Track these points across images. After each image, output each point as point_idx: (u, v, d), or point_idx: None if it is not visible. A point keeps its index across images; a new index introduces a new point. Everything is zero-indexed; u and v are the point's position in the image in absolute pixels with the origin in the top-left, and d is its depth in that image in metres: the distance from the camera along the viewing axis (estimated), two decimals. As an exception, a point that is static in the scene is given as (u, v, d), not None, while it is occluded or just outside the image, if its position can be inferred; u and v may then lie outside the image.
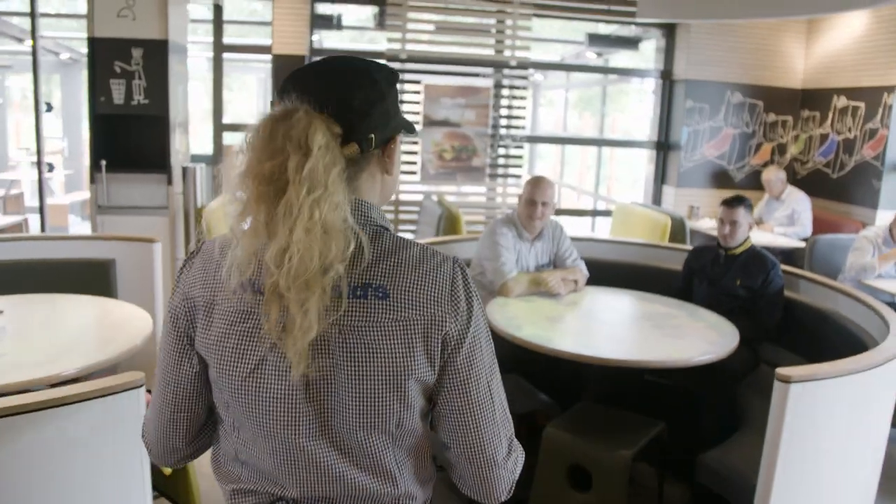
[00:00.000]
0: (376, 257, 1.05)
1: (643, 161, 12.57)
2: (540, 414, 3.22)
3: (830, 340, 3.31)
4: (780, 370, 2.20)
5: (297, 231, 0.97)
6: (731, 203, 3.59)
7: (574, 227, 6.59)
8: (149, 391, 1.62)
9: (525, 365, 3.22)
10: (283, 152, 0.99)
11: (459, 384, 1.08)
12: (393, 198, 6.61)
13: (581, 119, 13.75)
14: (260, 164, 1.00)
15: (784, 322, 3.51)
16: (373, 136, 1.07)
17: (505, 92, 6.34)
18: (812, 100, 6.54)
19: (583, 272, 3.65)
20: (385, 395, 1.04)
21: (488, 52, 6.35)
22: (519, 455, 1.18)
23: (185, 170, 5.27)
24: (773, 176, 6.11)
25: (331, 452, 1.07)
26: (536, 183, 3.55)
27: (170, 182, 5.16)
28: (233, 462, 1.14)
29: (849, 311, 3.31)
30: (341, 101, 1.05)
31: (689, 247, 4.14)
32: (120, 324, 2.80)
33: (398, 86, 1.24)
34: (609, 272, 4.10)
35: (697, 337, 3.00)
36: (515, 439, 1.17)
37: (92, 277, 3.63)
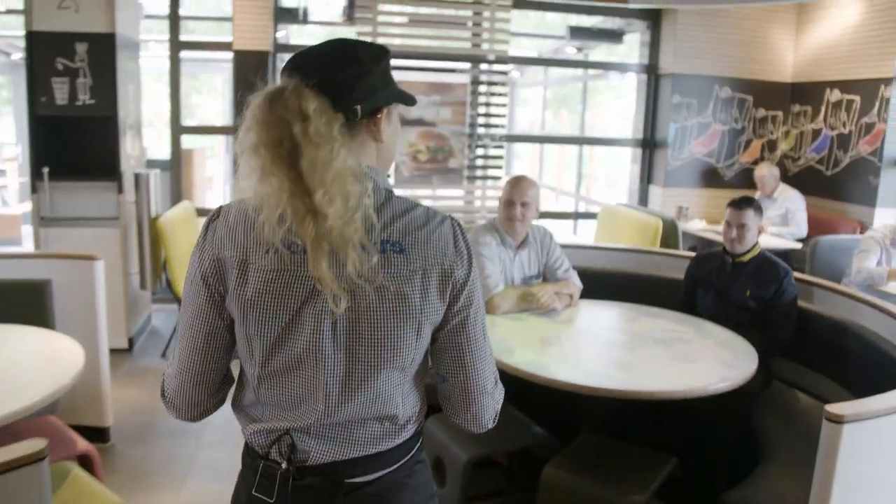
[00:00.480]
0: (390, 217, 1.20)
1: (624, 159, 12.32)
2: (536, 449, 2.86)
3: (852, 355, 2.99)
4: (831, 409, 1.86)
5: (327, 180, 1.10)
6: (738, 204, 3.26)
7: (555, 232, 6.25)
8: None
9: (516, 392, 2.85)
10: (285, 121, 1.11)
11: (461, 322, 1.24)
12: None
13: (557, 118, 13.45)
14: (267, 134, 1.11)
15: (797, 334, 3.19)
16: (358, 107, 1.19)
17: (483, 88, 5.97)
18: (803, 94, 6.26)
19: (576, 284, 3.31)
20: (404, 335, 1.19)
21: (465, 46, 5.99)
22: (501, 390, 1.34)
23: (137, 176, 4.83)
24: (767, 172, 5.81)
25: (355, 384, 1.19)
26: (515, 182, 3.20)
27: (120, 190, 4.72)
28: (254, 406, 1.26)
29: (872, 323, 3.00)
30: (326, 77, 1.16)
31: (690, 253, 3.81)
32: (46, 361, 2.39)
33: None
34: (601, 283, 3.76)
35: (711, 358, 2.66)
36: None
37: (24, 301, 3.20)
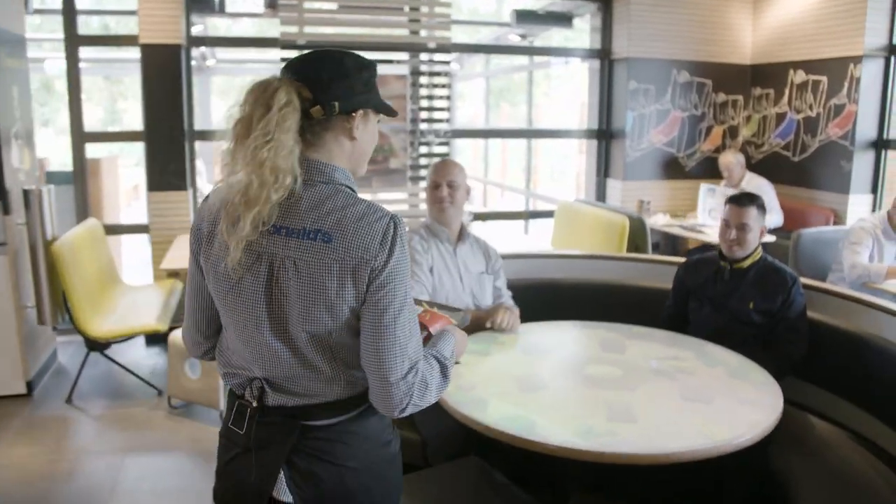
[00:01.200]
0: (330, 208, 1.34)
1: (568, 151, 11.93)
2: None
3: (872, 372, 2.56)
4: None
5: (253, 166, 1.28)
6: (740, 201, 2.79)
7: (505, 235, 5.73)
8: None
9: (492, 447, 2.31)
10: (253, 109, 1.31)
11: (372, 310, 1.33)
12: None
13: (499, 110, 12.99)
14: (245, 114, 1.32)
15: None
16: (336, 103, 1.36)
17: (424, 80, 5.42)
18: (764, 76, 5.89)
19: (516, 310, 2.89)
20: (320, 312, 1.33)
21: (402, 34, 5.42)
22: (421, 384, 1.36)
23: (27, 193, 4.11)
24: (733, 159, 5.41)
25: (284, 347, 1.37)
26: (441, 164, 2.88)
27: (6, 210, 4.00)
28: (226, 351, 1.48)
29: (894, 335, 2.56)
30: (312, 74, 1.36)
31: (677, 259, 3.32)
32: None
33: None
34: (567, 297, 3.27)
35: (727, 395, 2.18)
36: (423, 366, 1.38)
37: None
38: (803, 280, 2.87)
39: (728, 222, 2.82)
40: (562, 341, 2.67)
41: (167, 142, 5.06)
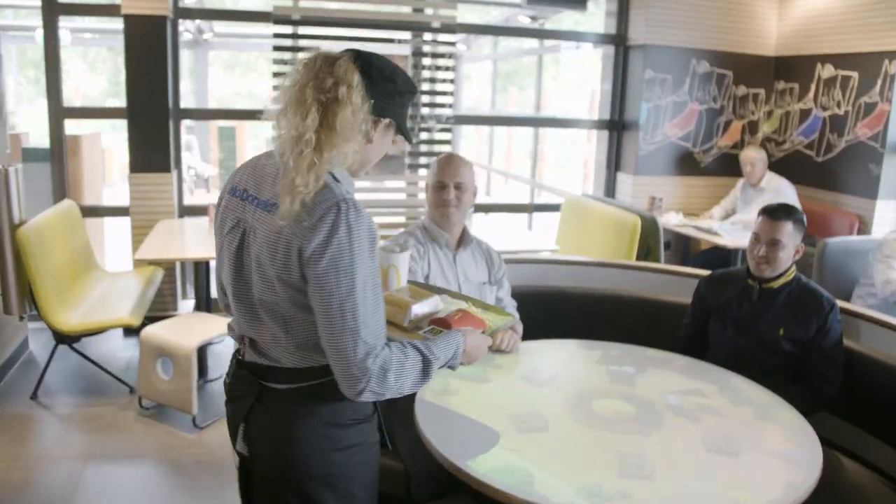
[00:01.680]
0: (326, 186, 1.38)
1: (576, 139, 11.56)
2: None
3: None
4: None
5: (354, 137, 1.41)
6: (774, 213, 2.47)
7: (507, 230, 5.41)
8: None
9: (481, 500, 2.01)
10: (334, 77, 1.38)
11: (318, 293, 1.36)
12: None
13: (506, 94, 12.61)
14: (317, 81, 1.38)
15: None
16: (373, 101, 1.42)
17: (427, 62, 5.08)
18: (788, 69, 5.54)
19: (519, 321, 2.60)
20: (266, 282, 1.42)
21: (405, 12, 5.07)
22: (378, 367, 1.36)
23: (-8, 172, 3.79)
24: (756, 156, 5.06)
25: (249, 311, 1.49)
26: (446, 161, 2.53)
27: (-31, 191, 3.70)
28: (228, 308, 1.60)
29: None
30: (368, 68, 1.43)
31: (698, 271, 3.01)
32: None
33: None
34: (577, 308, 2.99)
35: (758, 444, 1.88)
36: (387, 354, 1.39)
37: None
38: (840, 304, 2.55)
39: (758, 237, 2.50)
40: (566, 366, 2.37)
41: (151, 120, 4.74)
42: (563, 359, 2.42)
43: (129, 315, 3.88)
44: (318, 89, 1.37)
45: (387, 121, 1.47)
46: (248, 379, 1.52)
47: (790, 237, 2.44)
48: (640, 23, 5.37)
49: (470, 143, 12.51)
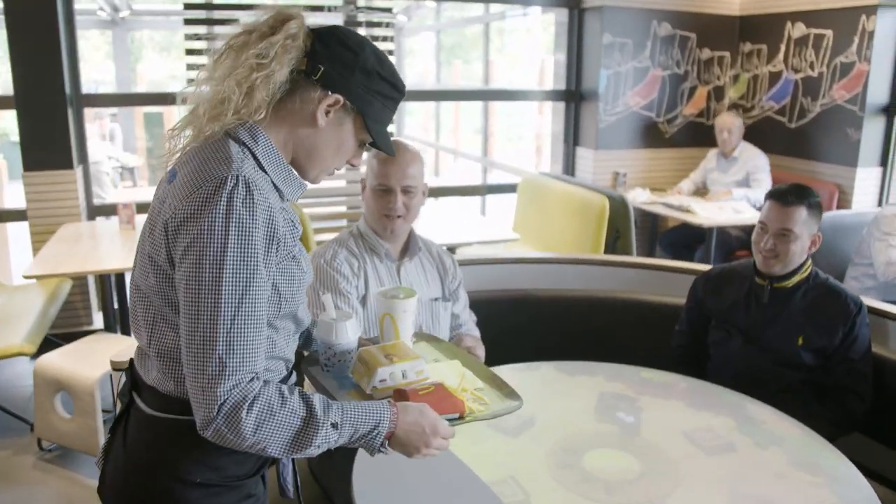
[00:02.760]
0: (193, 153, 1.15)
1: (530, 111, 11.09)
2: None
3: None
4: None
5: (229, 82, 1.12)
6: (784, 197, 2.02)
7: (457, 216, 4.91)
8: None
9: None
10: (258, 26, 1.15)
11: (180, 285, 1.08)
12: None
13: (451, 68, 12.07)
14: (242, 30, 1.16)
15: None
16: (322, 67, 1.14)
17: (362, 32, 4.51)
18: (755, 29, 5.13)
19: (477, 337, 2.15)
20: (141, 261, 1.17)
21: (334, -25, 4.51)
22: (232, 405, 1.05)
23: None
24: (733, 122, 4.65)
25: (132, 300, 1.23)
26: (391, 157, 1.91)
27: None
28: None
29: None
30: (326, 31, 1.18)
31: (695, 266, 2.56)
32: None
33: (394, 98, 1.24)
34: (550, 314, 2.53)
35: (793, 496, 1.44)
36: (251, 385, 1.07)
37: None
38: (869, 302, 2.14)
39: (765, 225, 2.06)
40: (544, 402, 1.89)
41: (44, 109, 4.09)
42: (539, 391, 1.95)
43: (21, 341, 3.28)
44: (236, 42, 1.15)
45: (338, 99, 1.16)
46: (126, 391, 1.25)
47: (804, 225, 2.00)
48: (596, -18, 4.89)
49: (416, 120, 11.96)
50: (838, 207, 4.49)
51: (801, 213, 1.99)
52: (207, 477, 1.18)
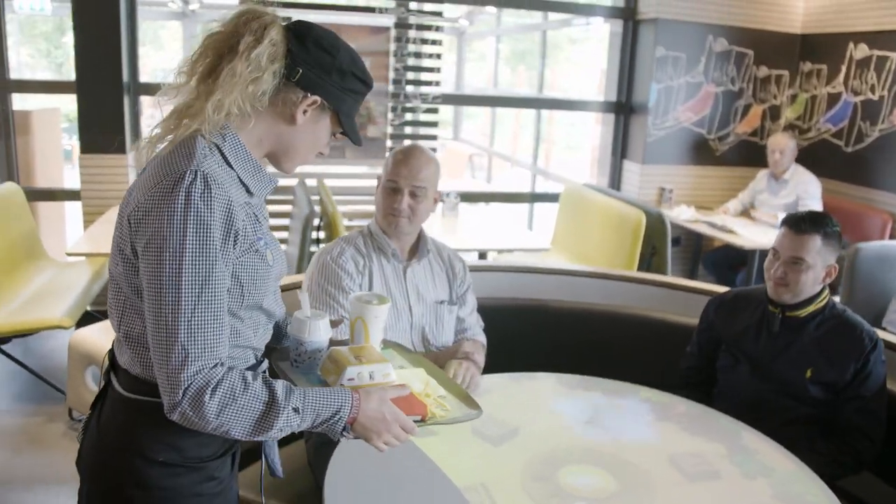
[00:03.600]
0: (171, 152, 1.17)
1: (587, 120, 10.97)
2: None
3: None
4: None
5: (234, 95, 1.15)
6: (798, 225, 1.97)
7: (497, 224, 4.90)
8: None
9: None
10: (242, 34, 1.16)
11: (144, 274, 1.12)
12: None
13: (515, 74, 12.03)
14: (222, 32, 1.19)
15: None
16: (301, 69, 1.19)
17: (412, 34, 4.56)
18: (816, 48, 4.98)
19: (483, 344, 2.17)
20: (113, 249, 1.20)
21: (388, -22, 4.57)
22: (196, 388, 1.10)
23: None
24: (787, 143, 4.52)
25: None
26: (404, 156, 2.00)
27: None
28: None
29: None
30: (304, 33, 1.21)
31: (709, 287, 2.51)
32: None
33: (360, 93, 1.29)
34: (559, 326, 2.50)
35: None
36: (214, 371, 1.12)
37: None
38: (882, 335, 2.06)
39: (777, 253, 2.00)
40: (534, 413, 1.88)
41: (102, 96, 4.26)
42: (531, 402, 1.94)
43: (61, 315, 3.44)
44: (220, 44, 1.18)
45: (316, 100, 1.22)
46: (105, 372, 1.31)
47: (818, 255, 1.94)
48: (652, -6, 4.82)
49: (476, 124, 11.95)
50: (891, 237, 4.32)
51: (816, 241, 1.93)
52: (170, 456, 1.22)
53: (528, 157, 7.42)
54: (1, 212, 3.82)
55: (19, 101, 4.82)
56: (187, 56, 1.21)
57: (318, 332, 1.36)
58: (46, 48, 13.45)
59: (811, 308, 1.99)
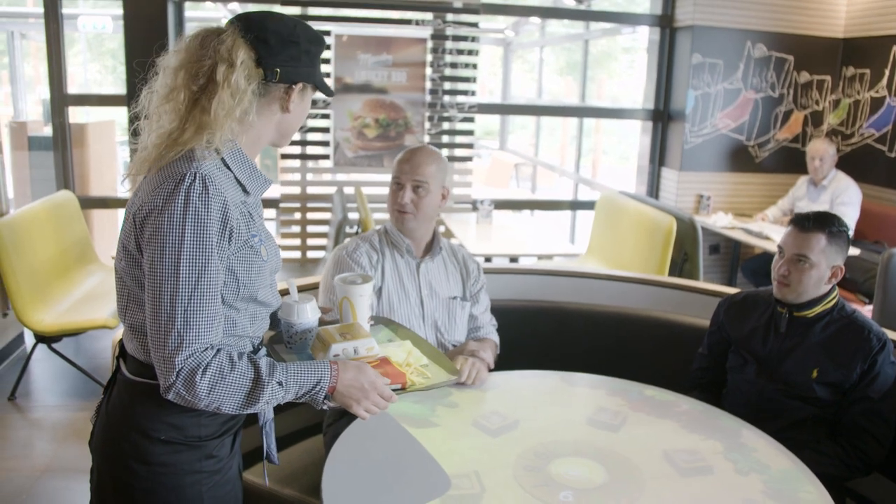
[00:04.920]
0: (186, 157, 1.26)
1: (635, 131, 10.90)
2: None
3: None
4: None
5: (227, 125, 1.25)
6: (803, 223, 1.97)
7: (543, 229, 4.96)
8: None
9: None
10: (211, 58, 1.24)
11: (146, 267, 1.22)
12: (298, 191, 4.96)
13: (563, 84, 12.03)
14: (191, 63, 1.25)
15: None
16: (278, 70, 1.30)
17: (448, 45, 4.66)
18: (859, 52, 4.89)
19: (496, 343, 2.25)
20: (119, 247, 1.30)
21: (424, -9, 4.68)
22: (188, 370, 1.21)
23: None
24: (826, 149, 4.45)
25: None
26: (408, 154, 2.11)
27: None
28: None
29: None
30: (261, 34, 1.29)
31: (721, 289, 2.52)
32: None
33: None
34: (573, 328, 2.54)
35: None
36: (205, 354, 1.22)
37: None
38: (892, 335, 2.04)
39: (782, 251, 2.01)
40: (535, 408, 1.92)
41: (151, 107, 4.47)
42: (535, 397, 1.98)
43: (108, 315, 3.62)
44: (191, 75, 1.25)
45: (300, 85, 1.35)
46: (116, 358, 1.42)
47: (822, 254, 1.93)
48: (688, 1, 4.81)
49: (524, 136, 11.99)
50: (935, 244, 4.21)
51: (820, 240, 1.93)
52: (171, 435, 1.32)
53: (572, 167, 7.44)
54: (56, 218, 4.03)
55: (82, 115, 5.09)
56: (158, 88, 1.28)
57: (306, 314, 1.46)
58: (112, 65, 14.04)
59: (818, 309, 1.98)
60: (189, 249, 1.21)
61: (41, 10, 4.45)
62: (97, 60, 13.75)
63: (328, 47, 4.55)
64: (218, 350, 1.25)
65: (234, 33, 1.27)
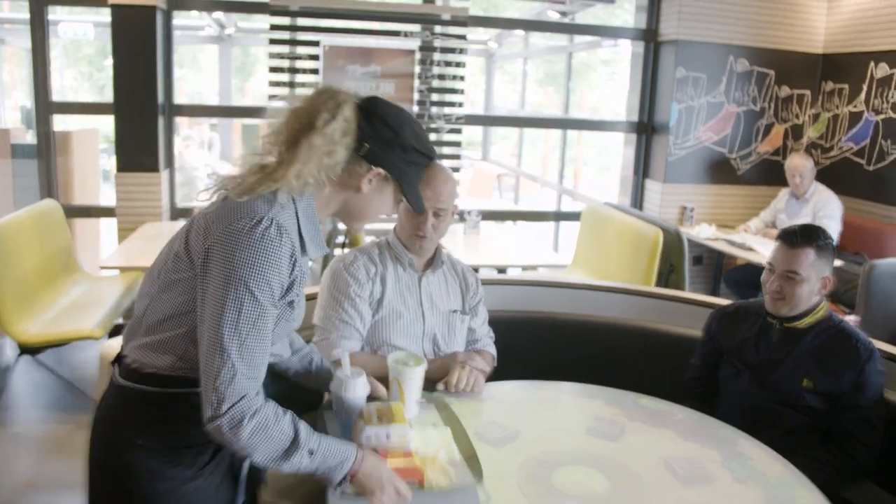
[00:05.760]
0: (267, 199, 1.30)
1: (617, 142, 11.01)
2: None
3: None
4: None
5: (311, 165, 1.30)
6: (790, 239, 2.01)
7: (529, 240, 4.99)
8: None
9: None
10: (320, 108, 1.31)
11: (209, 296, 1.26)
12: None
13: (545, 95, 12.15)
14: (304, 109, 1.33)
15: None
16: (367, 145, 1.35)
17: (436, 56, 4.69)
18: (838, 68, 5.00)
19: (493, 355, 2.26)
20: (171, 247, 1.37)
21: (413, 2, 4.70)
22: (238, 411, 1.23)
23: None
24: (804, 165, 4.53)
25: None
26: (428, 179, 1.96)
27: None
28: None
29: None
30: (372, 109, 1.37)
31: (712, 300, 2.56)
32: None
33: None
34: (567, 338, 2.57)
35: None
36: (257, 398, 1.26)
37: None
38: (879, 345, 2.08)
39: (772, 267, 2.05)
40: (535, 418, 1.94)
41: (138, 117, 4.46)
42: (534, 407, 2.00)
43: (93, 326, 3.58)
44: (299, 118, 1.32)
45: (381, 171, 1.37)
46: (112, 363, 1.44)
47: (812, 268, 1.98)
48: (672, 16, 4.89)
49: (507, 146, 12.06)
50: (914, 255, 4.29)
51: (809, 255, 1.97)
52: (149, 440, 1.36)
53: (555, 178, 7.50)
54: (40, 227, 3.99)
55: (61, 123, 5.05)
56: (272, 125, 1.35)
57: (355, 390, 1.54)
58: (89, 71, 13.91)
59: (809, 320, 2.03)
60: (257, 286, 1.25)
61: (19, 15, 4.42)
62: (73, 66, 13.62)
63: (315, 57, 4.56)
64: (266, 399, 1.29)
65: (350, 98, 1.34)
